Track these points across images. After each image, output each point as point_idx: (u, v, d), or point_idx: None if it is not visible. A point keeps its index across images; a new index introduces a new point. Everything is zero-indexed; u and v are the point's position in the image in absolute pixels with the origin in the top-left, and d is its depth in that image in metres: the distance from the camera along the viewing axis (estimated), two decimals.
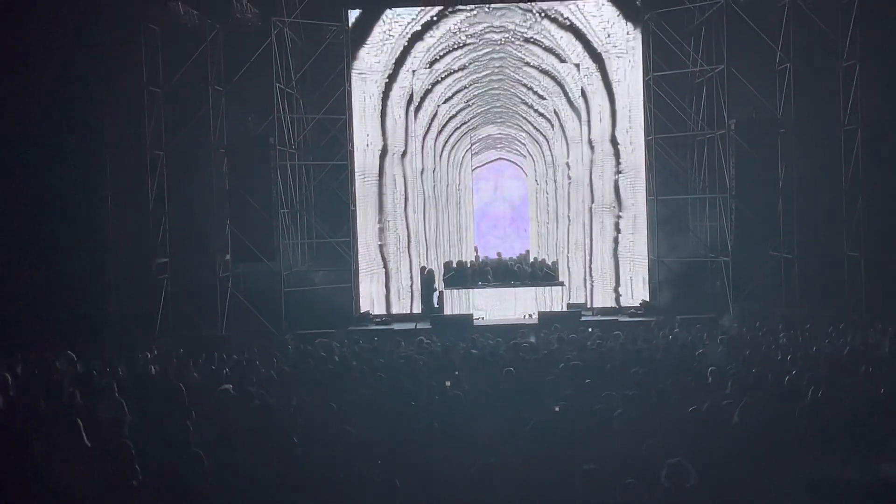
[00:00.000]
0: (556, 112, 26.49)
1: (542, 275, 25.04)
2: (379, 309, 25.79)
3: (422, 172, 26.46)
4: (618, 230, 25.76)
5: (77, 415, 10.19)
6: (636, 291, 25.55)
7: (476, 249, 27.13)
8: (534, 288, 24.65)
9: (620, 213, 25.74)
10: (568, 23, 25.41)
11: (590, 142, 25.94)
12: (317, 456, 8.95)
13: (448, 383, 12.67)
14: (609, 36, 25.35)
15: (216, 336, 22.21)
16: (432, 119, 26.49)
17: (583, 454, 8.55)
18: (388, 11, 25.53)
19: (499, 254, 26.43)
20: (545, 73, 26.06)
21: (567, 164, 26.54)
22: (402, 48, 25.65)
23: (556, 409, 10.57)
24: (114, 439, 9.32)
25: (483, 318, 23.92)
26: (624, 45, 25.36)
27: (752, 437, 8.98)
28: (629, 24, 25.26)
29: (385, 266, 26.04)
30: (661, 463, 7.72)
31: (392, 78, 25.75)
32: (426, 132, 26.48)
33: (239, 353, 17.77)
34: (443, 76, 26.13)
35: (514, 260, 26.08)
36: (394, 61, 25.71)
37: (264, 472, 8.71)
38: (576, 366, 13.37)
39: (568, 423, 9.77)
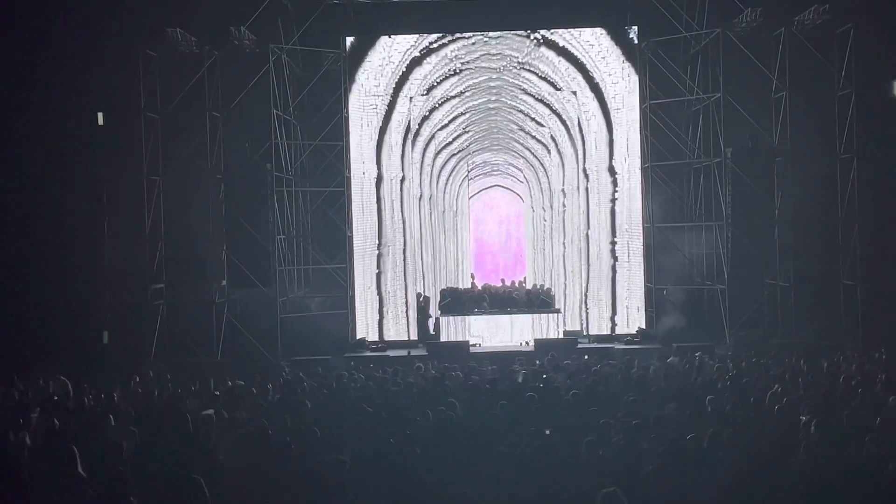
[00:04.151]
0: (553, 138, 26.53)
1: (538, 302, 25.00)
2: (374, 335, 25.69)
3: (419, 199, 26.45)
4: (614, 257, 25.72)
5: (72, 441, 10.13)
6: (632, 318, 25.50)
7: (473, 276, 27.08)
8: (530, 315, 24.57)
9: (616, 240, 25.71)
10: (565, 51, 25.49)
11: (584, 169, 25.96)
12: (310, 484, 8.89)
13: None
14: (606, 65, 25.42)
15: (212, 362, 22.13)
16: (427, 145, 26.52)
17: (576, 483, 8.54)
18: (385, 38, 25.61)
19: (503, 280, 26.33)
20: (541, 101, 26.12)
21: (563, 190, 26.54)
22: (399, 75, 25.72)
23: (547, 432, 10.54)
24: (109, 466, 9.25)
25: (479, 345, 23.86)
26: (620, 73, 25.43)
27: (750, 467, 8.94)
28: (625, 54, 25.33)
29: (380, 293, 25.96)
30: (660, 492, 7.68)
31: (390, 104, 25.78)
32: (423, 158, 26.50)
33: (234, 379, 17.67)
34: (440, 103, 26.19)
35: (511, 286, 26.00)
36: (391, 88, 25.76)
37: (260, 498, 8.66)
38: (573, 394, 13.31)
39: (564, 450, 9.73)
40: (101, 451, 9.97)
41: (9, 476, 8.62)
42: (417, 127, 26.16)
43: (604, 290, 25.78)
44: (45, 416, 12.36)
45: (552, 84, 25.82)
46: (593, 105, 25.59)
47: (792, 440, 10.00)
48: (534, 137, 27.02)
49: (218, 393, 15.28)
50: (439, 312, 24.85)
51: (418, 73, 25.69)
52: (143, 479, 9.10)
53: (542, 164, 27.32)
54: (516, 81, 25.97)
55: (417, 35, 25.61)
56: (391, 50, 25.58)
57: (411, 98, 25.77)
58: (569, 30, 25.45)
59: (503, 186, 28.24)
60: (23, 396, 15.29)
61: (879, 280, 22.42)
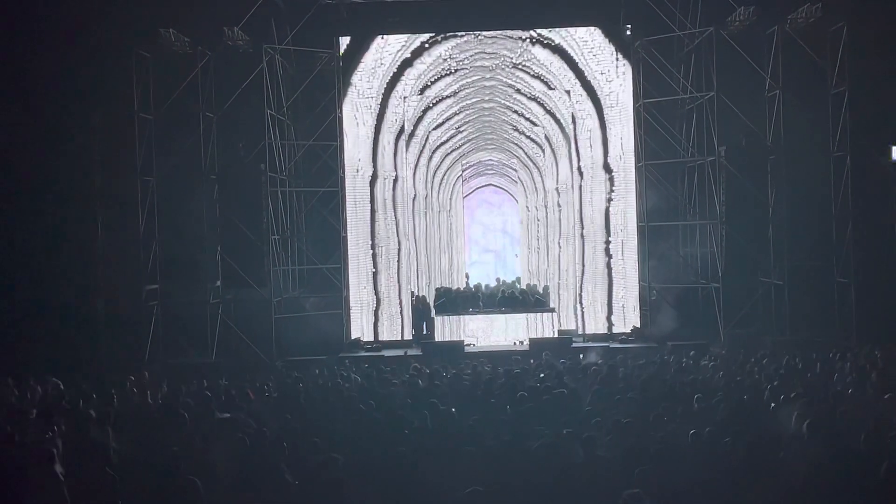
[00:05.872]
0: (547, 137, 26.53)
1: (533, 301, 24.99)
2: (369, 335, 25.67)
3: (413, 198, 26.44)
4: (608, 256, 25.71)
5: (64, 443, 10.12)
6: (627, 317, 25.50)
7: (467, 275, 27.07)
8: (525, 314, 24.56)
9: (610, 239, 25.70)
10: (559, 50, 25.48)
11: (579, 168, 25.96)
12: (306, 484, 8.88)
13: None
14: (599, 63, 25.41)
15: (206, 362, 22.11)
16: (423, 145, 26.50)
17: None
18: (378, 38, 25.59)
19: (498, 279, 26.35)
20: (534, 99, 26.13)
21: (557, 189, 26.54)
22: (392, 75, 25.69)
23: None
24: (99, 468, 9.24)
25: (474, 345, 23.85)
26: (614, 72, 25.42)
27: (744, 466, 8.94)
28: (619, 52, 25.33)
29: (376, 293, 25.93)
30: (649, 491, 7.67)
31: (383, 104, 25.76)
32: (417, 159, 26.49)
33: (229, 380, 17.66)
34: (433, 103, 26.17)
35: (505, 286, 25.99)
36: (385, 88, 25.73)
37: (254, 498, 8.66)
38: (566, 393, 13.31)
39: (561, 449, 9.73)
40: (94, 452, 9.97)
41: (4, 477, 8.62)
42: (412, 127, 26.14)
43: (598, 289, 25.78)
44: (40, 418, 12.33)
45: (546, 83, 25.82)
46: (587, 104, 25.59)
47: (786, 438, 10.01)
48: (528, 137, 27.01)
49: (210, 394, 15.24)
50: (434, 312, 24.83)
51: (412, 73, 25.67)
52: (135, 481, 9.08)
53: (535, 164, 27.31)
54: (510, 81, 25.97)
55: (411, 35, 25.60)
56: (384, 50, 25.56)
57: (405, 98, 25.75)
58: (561, 29, 25.47)
59: (498, 186, 28.22)
60: (18, 398, 15.25)
61: (873, 277, 22.47)
